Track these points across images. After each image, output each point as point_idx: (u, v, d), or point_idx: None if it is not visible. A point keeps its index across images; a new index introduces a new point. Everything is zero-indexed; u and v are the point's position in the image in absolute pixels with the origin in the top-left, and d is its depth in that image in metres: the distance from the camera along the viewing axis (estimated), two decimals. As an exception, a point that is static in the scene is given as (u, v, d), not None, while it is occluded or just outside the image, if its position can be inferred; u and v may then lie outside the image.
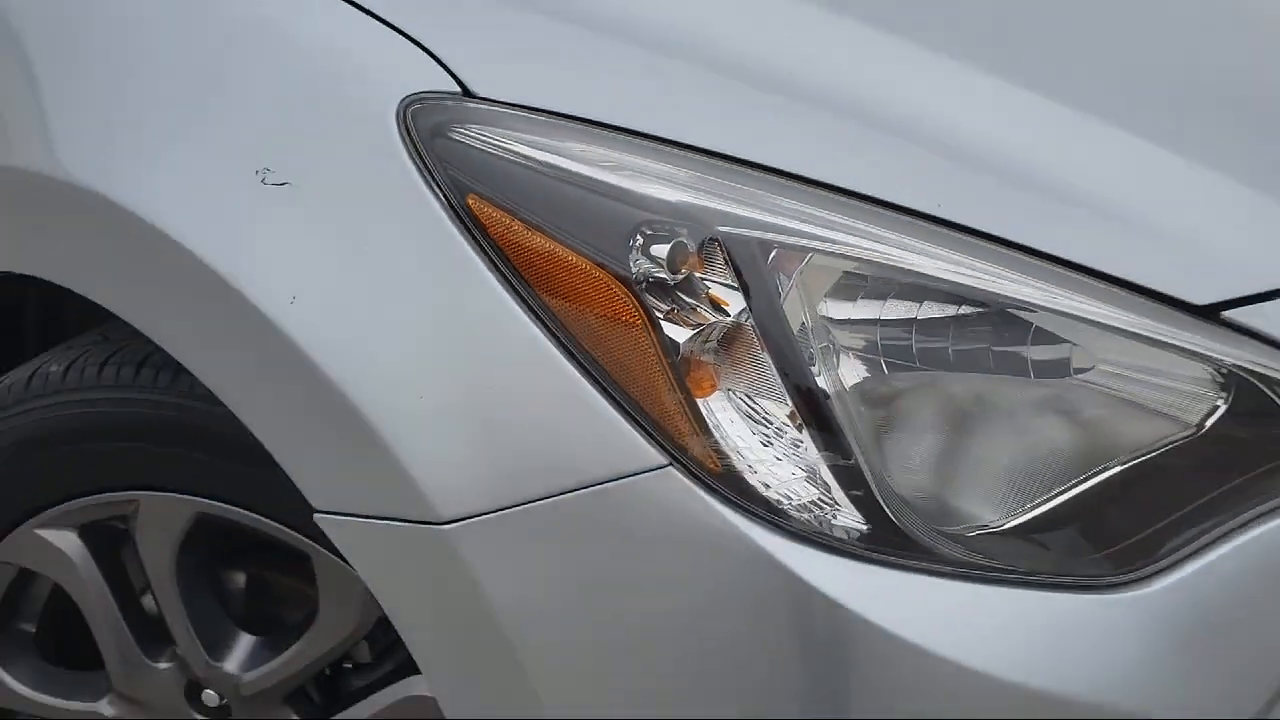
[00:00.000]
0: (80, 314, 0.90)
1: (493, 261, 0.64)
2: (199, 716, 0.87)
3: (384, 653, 0.86)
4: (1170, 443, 0.64)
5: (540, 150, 0.65)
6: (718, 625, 0.62)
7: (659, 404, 0.62)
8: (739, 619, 0.62)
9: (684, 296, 0.62)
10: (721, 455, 0.62)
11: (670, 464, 0.61)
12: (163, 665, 0.87)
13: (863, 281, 0.63)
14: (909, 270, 0.63)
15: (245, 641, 0.84)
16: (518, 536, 0.63)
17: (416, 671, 0.78)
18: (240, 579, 0.88)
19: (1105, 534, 0.64)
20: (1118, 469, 0.64)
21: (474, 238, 0.64)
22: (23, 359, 0.90)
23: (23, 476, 0.85)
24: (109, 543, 0.86)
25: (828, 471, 0.62)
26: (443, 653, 0.70)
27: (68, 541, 0.85)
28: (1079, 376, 0.64)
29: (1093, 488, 0.64)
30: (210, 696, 0.86)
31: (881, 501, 0.61)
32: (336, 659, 0.84)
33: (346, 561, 0.74)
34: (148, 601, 0.87)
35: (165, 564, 0.83)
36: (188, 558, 0.83)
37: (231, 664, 0.84)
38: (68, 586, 0.86)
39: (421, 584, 0.68)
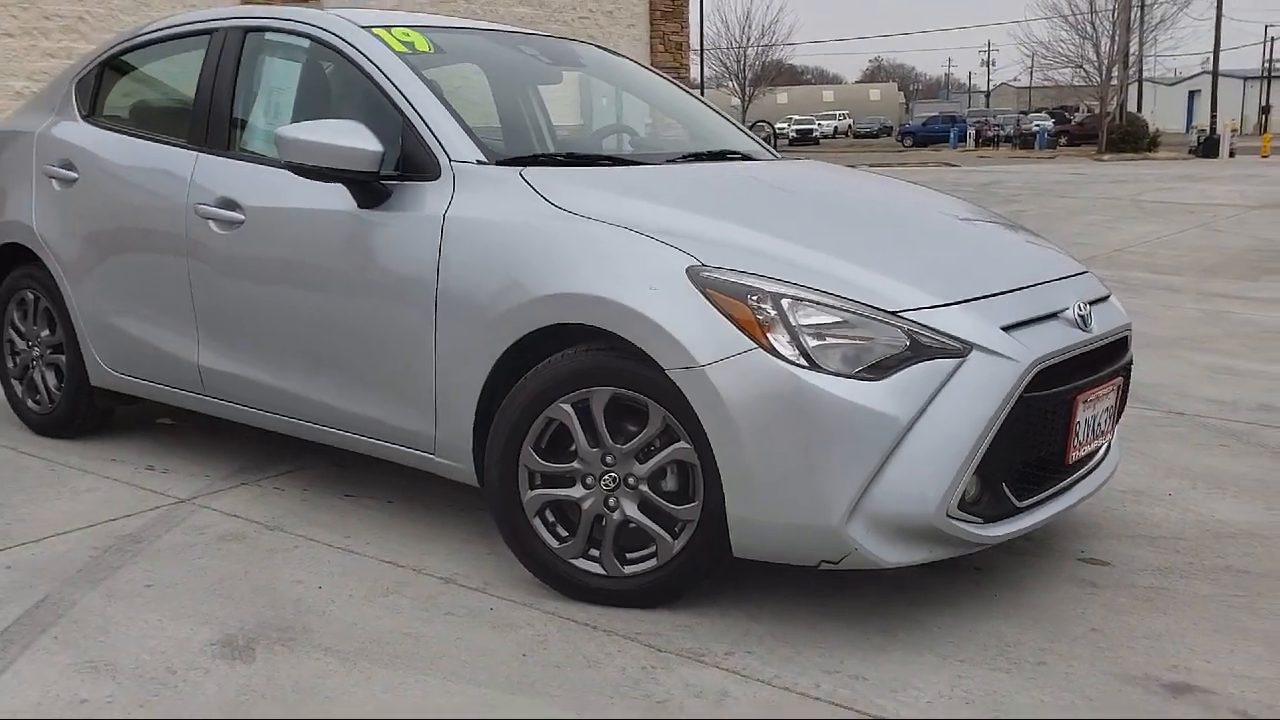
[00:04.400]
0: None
1: (709, 303, 2.52)
2: (602, 467, 2.69)
3: (661, 445, 2.66)
4: (895, 355, 2.49)
5: (729, 276, 2.54)
6: (770, 389, 2.46)
7: (753, 330, 2.48)
8: (782, 392, 2.45)
9: (761, 309, 2.50)
10: (769, 345, 2.47)
11: (757, 348, 2.46)
12: (594, 449, 2.70)
13: (805, 305, 2.51)
14: (818, 305, 2.51)
15: (622, 438, 2.68)
16: (724, 369, 2.48)
17: (676, 443, 2.62)
18: (615, 420, 2.71)
19: (885, 368, 2.47)
20: (873, 367, 2.49)
21: (705, 297, 2.52)
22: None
23: (557, 385, 2.70)
24: (581, 410, 2.70)
25: (797, 347, 2.47)
26: (714, 419, 2.50)
27: (568, 408, 2.70)
28: (867, 340, 2.50)
29: (871, 364, 2.49)
30: (609, 458, 2.68)
31: (811, 357, 2.46)
32: (647, 443, 2.66)
33: (658, 403, 2.59)
34: (592, 434, 2.70)
35: (600, 415, 2.67)
36: (610, 415, 2.68)
37: (620, 444, 2.67)
38: (565, 422, 2.70)
39: (702, 390, 2.50)
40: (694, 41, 33.25)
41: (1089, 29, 35.34)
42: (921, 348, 2.49)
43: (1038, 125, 44.23)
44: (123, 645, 2.52)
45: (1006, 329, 2.60)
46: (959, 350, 2.50)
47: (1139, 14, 37.01)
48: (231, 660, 2.46)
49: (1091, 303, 2.94)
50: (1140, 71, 42.47)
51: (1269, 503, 3.53)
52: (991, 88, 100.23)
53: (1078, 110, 47.87)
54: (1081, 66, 36.07)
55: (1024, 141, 43.57)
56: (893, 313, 2.51)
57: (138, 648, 2.51)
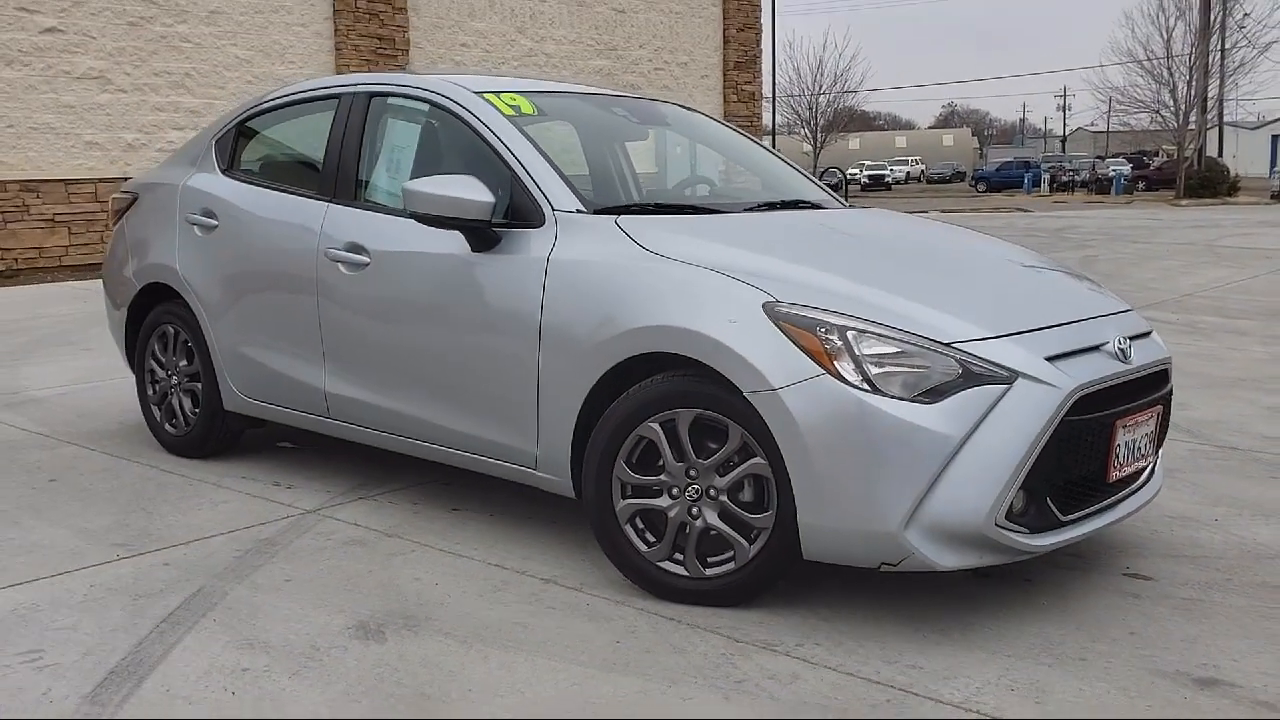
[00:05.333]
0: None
1: (782, 335, 2.87)
2: (686, 480, 3.03)
3: (739, 460, 3.01)
4: (948, 382, 2.82)
5: (800, 311, 2.88)
6: (837, 410, 2.79)
7: (822, 358, 2.82)
8: (848, 413, 2.79)
9: (828, 340, 2.84)
10: (836, 371, 2.80)
11: (825, 374, 2.80)
12: (679, 463, 3.05)
13: (867, 337, 2.84)
14: (879, 336, 2.84)
15: (704, 454, 3.02)
16: (795, 392, 2.81)
17: (753, 458, 2.96)
18: (698, 438, 3.06)
19: (940, 393, 2.79)
20: (929, 392, 2.81)
21: (779, 329, 2.88)
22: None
23: (647, 407, 3.06)
24: (669, 429, 3.05)
25: (860, 373, 2.80)
26: (787, 436, 2.84)
27: (657, 427, 3.05)
28: (924, 368, 2.83)
29: (927, 389, 2.81)
30: (693, 472, 3.03)
31: (874, 383, 2.79)
32: (727, 459, 3.00)
33: (737, 423, 2.93)
34: (678, 450, 3.06)
35: (685, 434, 3.03)
36: (694, 434, 3.03)
37: (702, 459, 3.02)
38: (654, 439, 3.05)
39: (777, 410, 2.84)
40: (766, 90, 33.73)
41: (1165, 74, 35.13)
42: (972, 375, 2.80)
43: (1114, 170, 43.85)
44: (272, 627, 2.92)
45: (1050, 359, 2.91)
46: (1006, 378, 2.81)
47: (1218, 58, 36.68)
48: (366, 640, 2.84)
49: (1133, 338, 3.23)
50: (1220, 115, 41.97)
51: (1311, 528, 3.74)
52: (1068, 133, 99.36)
53: (1157, 155, 47.34)
54: (1158, 112, 35.78)
55: (1100, 187, 43.21)
56: (946, 344, 2.83)
57: (285, 629, 2.91)
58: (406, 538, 3.62)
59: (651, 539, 3.11)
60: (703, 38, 21.69)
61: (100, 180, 13.85)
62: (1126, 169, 44.46)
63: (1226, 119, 45.94)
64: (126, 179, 13.94)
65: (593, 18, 19.61)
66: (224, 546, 3.55)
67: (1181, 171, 35.25)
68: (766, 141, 40.17)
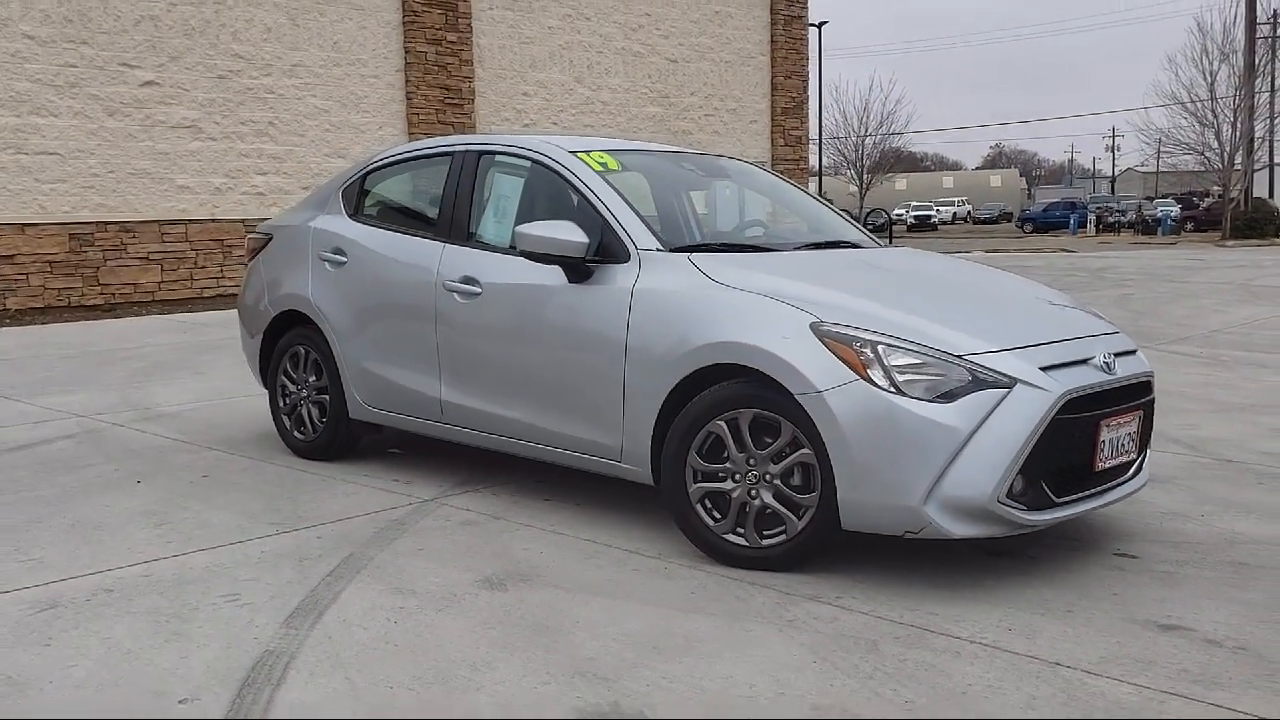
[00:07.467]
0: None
1: (826, 348, 3.58)
2: (746, 467, 3.73)
3: (790, 451, 3.70)
4: (960, 387, 3.50)
5: (840, 329, 3.59)
6: (870, 409, 3.49)
7: (857, 367, 3.52)
8: (878, 411, 3.49)
9: (863, 353, 3.55)
10: (869, 377, 3.50)
11: (860, 380, 3.51)
12: (741, 454, 3.75)
13: (895, 350, 3.55)
14: (904, 350, 3.54)
15: (761, 446, 3.72)
16: (837, 394, 3.51)
17: (801, 449, 3.65)
18: (756, 433, 3.77)
19: (953, 395, 3.49)
20: (944, 395, 3.50)
21: (823, 344, 3.59)
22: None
23: (714, 408, 3.77)
24: (732, 425, 3.76)
25: (889, 379, 3.50)
26: (829, 430, 3.53)
27: (723, 424, 3.76)
28: (940, 375, 3.52)
29: (943, 392, 3.50)
30: (752, 461, 3.73)
31: (899, 387, 3.49)
32: (779, 450, 3.70)
33: (788, 420, 3.64)
34: (739, 443, 3.76)
35: (746, 429, 3.72)
36: (753, 429, 3.73)
37: (760, 450, 3.72)
38: (720, 434, 3.76)
39: (821, 409, 3.53)
40: (812, 132, 34.54)
41: (1209, 116, 35.44)
42: (980, 381, 3.48)
43: (1161, 211, 44.06)
44: (415, 580, 3.66)
45: (1044, 369, 3.58)
46: (1007, 383, 3.49)
47: (1269, 98, 36.94)
48: (492, 590, 3.57)
49: (1118, 354, 3.89)
50: (1271, 156, 42.12)
51: (1283, 522, 4.36)
52: (1118, 173, 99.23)
53: (1207, 195, 47.45)
54: (1203, 153, 36.05)
55: (1146, 227, 43.45)
56: (958, 356, 3.52)
57: (425, 582, 3.64)
58: (511, 520, 4.35)
59: (718, 516, 3.81)
60: (751, 85, 22.56)
61: (190, 221, 14.90)
62: (1175, 210, 44.63)
63: (1277, 160, 45.99)
64: (214, 220, 15.02)
65: (646, 67, 20.55)
66: (363, 525, 4.30)
67: (1227, 212, 35.47)
68: (813, 183, 40.99)
